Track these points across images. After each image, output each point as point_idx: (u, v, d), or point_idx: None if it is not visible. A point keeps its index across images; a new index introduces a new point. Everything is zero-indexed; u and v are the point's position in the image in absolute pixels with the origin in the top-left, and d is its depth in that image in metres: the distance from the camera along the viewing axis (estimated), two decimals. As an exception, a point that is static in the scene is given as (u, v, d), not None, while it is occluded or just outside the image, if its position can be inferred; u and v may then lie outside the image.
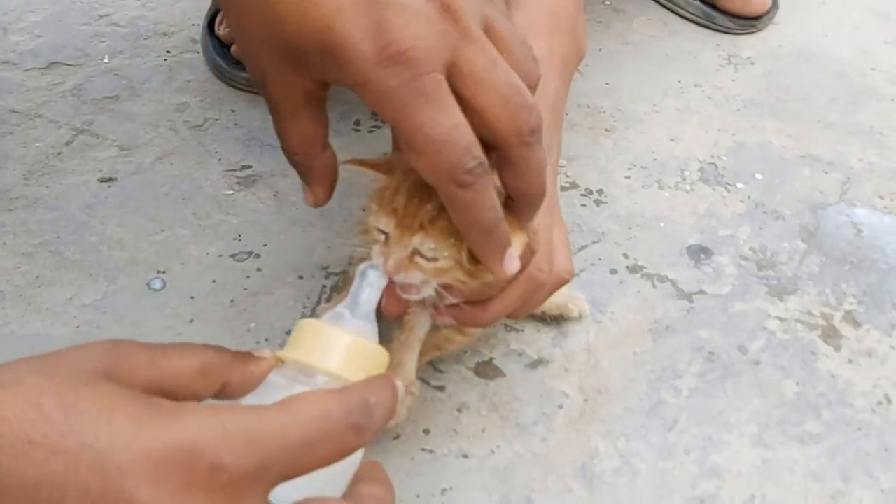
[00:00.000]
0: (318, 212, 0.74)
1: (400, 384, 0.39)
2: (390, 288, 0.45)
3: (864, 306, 0.72)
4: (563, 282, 0.55)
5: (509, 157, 0.40)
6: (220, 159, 0.81)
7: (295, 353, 0.41)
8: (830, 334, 0.69)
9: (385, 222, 0.44)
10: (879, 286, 0.73)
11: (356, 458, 0.39)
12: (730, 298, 0.71)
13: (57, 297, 0.68)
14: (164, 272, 0.70)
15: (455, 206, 0.39)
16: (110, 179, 0.78)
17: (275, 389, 0.38)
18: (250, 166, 0.80)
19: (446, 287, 0.46)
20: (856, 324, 0.70)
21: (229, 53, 0.90)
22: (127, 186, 0.78)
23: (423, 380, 0.63)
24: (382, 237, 0.44)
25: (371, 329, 0.43)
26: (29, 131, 0.83)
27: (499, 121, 0.38)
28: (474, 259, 0.44)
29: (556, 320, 0.68)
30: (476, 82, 0.38)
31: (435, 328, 0.56)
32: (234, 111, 0.87)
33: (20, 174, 0.78)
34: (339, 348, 0.41)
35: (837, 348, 0.68)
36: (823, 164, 0.86)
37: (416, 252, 0.44)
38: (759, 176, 0.84)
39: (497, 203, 0.41)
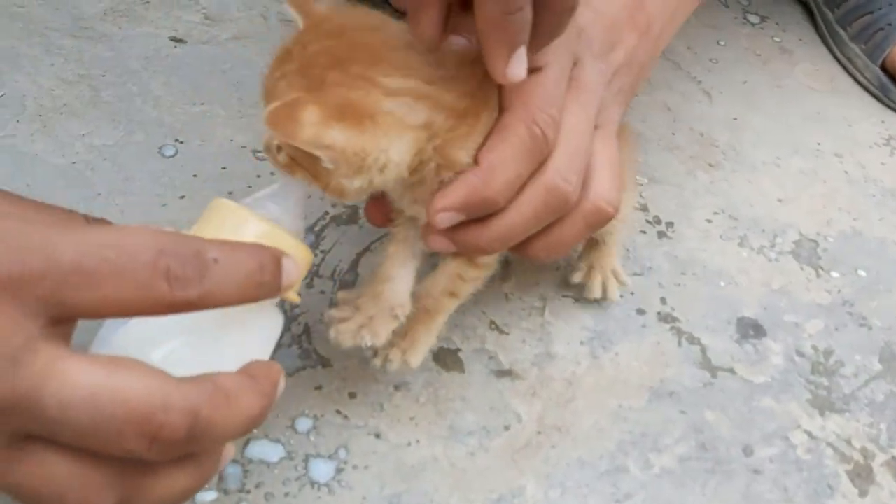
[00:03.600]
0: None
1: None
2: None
3: (920, 460, 0.58)
4: (599, 213, 0.43)
5: None
6: (292, 57, 0.77)
7: (200, 232, 0.36)
8: (862, 475, 0.56)
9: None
10: (951, 445, 0.59)
11: (254, 343, 0.36)
12: (761, 390, 0.60)
13: (72, 130, 0.66)
14: (182, 142, 0.67)
15: None
16: (180, 41, 0.76)
17: None
18: (318, 74, 0.76)
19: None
20: (900, 476, 0.57)
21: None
22: (191, 52, 0.75)
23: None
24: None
25: (294, 223, 0.38)
26: (132, -27, 0.82)
27: None
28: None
29: (599, 303, 0.60)
30: None
31: (444, 266, 0.47)
32: (331, 18, 0.82)
33: (102, 8, 0.77)
34: (249, 234, 0.36)
35: (863, 493, 0.55)
36: (948, 287, 0.71)
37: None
38: (862, 273, 0.71)
39: None
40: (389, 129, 0.36)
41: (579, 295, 0.62)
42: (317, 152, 0.35)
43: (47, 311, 0.28)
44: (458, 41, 0.40)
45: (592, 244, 0.59)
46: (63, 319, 0.28)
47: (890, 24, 0.91)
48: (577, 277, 0.61)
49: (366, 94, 0.35)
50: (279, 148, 0.38)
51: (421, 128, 0.37)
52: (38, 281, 0.27)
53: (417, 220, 0.44)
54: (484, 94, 0.40)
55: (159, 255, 0.28)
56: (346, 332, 0.45)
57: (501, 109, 0.40)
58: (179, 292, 0.29)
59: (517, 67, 0.36)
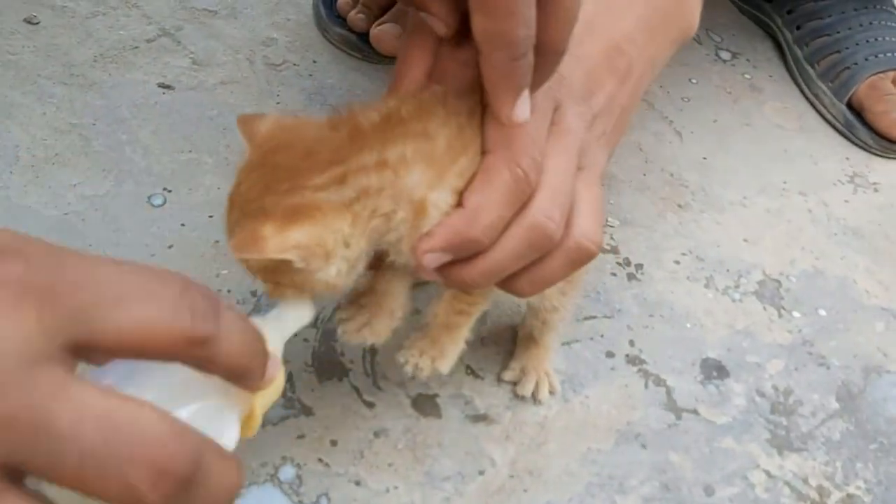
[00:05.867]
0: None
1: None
2: None
3: (871, 496, 0.61)
4: (582, 251, 0.44)
5: None
6: (277, 103, 0.80)
7: None
8: (817, 513, 0.60)
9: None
10: (902, 482, 0.63)
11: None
12: (722, 431, 0.63)
13: (63, 180, 0.68)
14: (170, 191, 0.70)
15: (488, 8, 0.36)
16: (168, 87, 0.79)
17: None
18: (302, 119, 0.79)
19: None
20: (853, 513, 0.60)
21: (335, 4, 0.88)
22: (179, 99, 0.78)
23: (356, 389, 0.60)
24: None
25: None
26: (121, 18, 0.84)
27: None
28: None
29: (570, 345, 0.63)
30: None
31: (443, 294, 0.49)
32: (315, 62, 0.85)
33: (92, 55, 0.80)
34: None
35: (817, 531, 0.59)
36: (905, 325, 0.75)
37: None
38: (822, 312, 0.74)
39: (534, 19, 0.37)
40: (333, 212, 0.39)
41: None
42: (286, 256, 0.38)
43: (71, 329, 0.27)
44: (437, 89, 0.43)
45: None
46: (80, 347, 0.28)
47: (856, 64, 0.94)
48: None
49: (301, 197, 0.39)
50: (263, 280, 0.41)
51: (356, 199, 0.40)
52: (73, 292, 0.27)
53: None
54: (447, 135, 0.42)
55: (186, 287, 0.29)
56: (350, 331, 0.49)
57: (484, 153, 0.42)
58: (200, 325, 0.29)
59: (522, 109, 0.39)
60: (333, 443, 0.57)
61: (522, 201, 0.42)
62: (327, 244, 0.39)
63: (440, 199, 0.41)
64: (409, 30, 0.44)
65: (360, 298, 0.49)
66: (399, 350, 0.50)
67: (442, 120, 0.41)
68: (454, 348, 0.50)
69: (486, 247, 0.42)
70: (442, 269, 0.43)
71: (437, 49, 0.43)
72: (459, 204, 0.41)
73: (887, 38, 0.95)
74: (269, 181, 0.40)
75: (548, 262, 0.44)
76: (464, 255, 0.42)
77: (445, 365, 0.50)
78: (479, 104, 0.42)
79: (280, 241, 0.37)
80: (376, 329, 0.49)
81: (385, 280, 0.49)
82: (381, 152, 0.40)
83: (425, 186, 0.41)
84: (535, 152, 0.42)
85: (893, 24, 0.97)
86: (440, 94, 0.42)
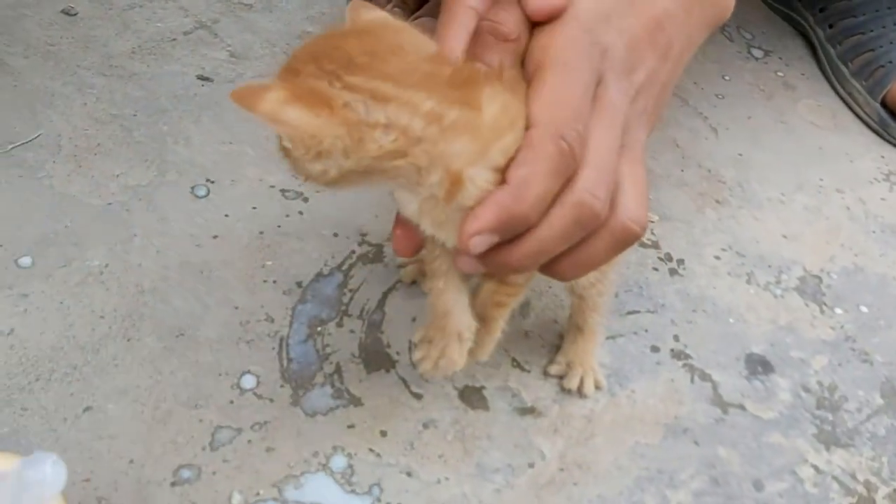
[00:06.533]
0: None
1: None
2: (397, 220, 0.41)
3: (920, 494, 0.61)
4: (627, 231, 0.42)
5: None
6: (315, 95, 0.80)
7: None
8: (867, 509, 0.59)
9: None
10: (950, 479, 0.62)
11: None
12: (770, 426, 0.63)
13: (106, 170, 0.68)
14: (213, 182, 0.69)
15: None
16: (207, 79, 0.78)
17: None
18: (340, 112, 0.79)
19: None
20: (902, 509, 0.60)
21: (370, -1, 0.88)
22: (218, 91, 0.78)
23: (403, 381, 0.60)
24: None
25: None
26: (158, 10, 0.84)
27: None
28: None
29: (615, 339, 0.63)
30: None
31: (480, 289, 0.49)
32: (351, 55, 0.85)
33: (130, 46, 0.80)
34: None
35: (868, 527, 0.58)
36: (946, 323, 0.75)
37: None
38: (864, 309, 0.74)
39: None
40: (345, 120, 0.37)
41: (596, 333, 0.64)
42: (274, 128, 0.37)
43: None
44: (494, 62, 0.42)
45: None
46: None
47: (891, 62, 0.94)
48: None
49: (328, 86, 0.37)
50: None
51: (383, 126, 0.38)
52: None
53: (446, 246, 0.46)
54: (494, 111, 0.40)
55: None
56: (427, 368, 0.48)
57: (527, 126, 0.41)
58: None
59: None
60: (383, 433, 0.56)
61: (568, 175, 0.41)
62: (322, 142, 0.37)
63: (479, 175, 0.40)
64: (447, 4, 0.43)
65: (426, 334, 0.49)
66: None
67: (494, 94, 0.40)
68: (491, 338, 0.50)
69: (534, 223, 0.40)
70: (485, 255, 0.41)
71: (476, 24, 0.42)
72: (502, 182, 0.40)
73: (922, 37, 0.95)
74: (322, 53, 0.38)
75: (592, 243, 0.43)
76: (511, 234, 0.41)
77: (484, 353, 0.50)
78: (522, 80, 0.41)
79: (272, 109, 0.36)
80: (451, 358, 0.48)
81: (441, 300, 0.48)
82: (441, 105, 0.39)
83: (465, 161, 0.40)
84: (578, 125, 0.40)
85: (927, 23, 0.97)
86: (497, 68, 0.41)
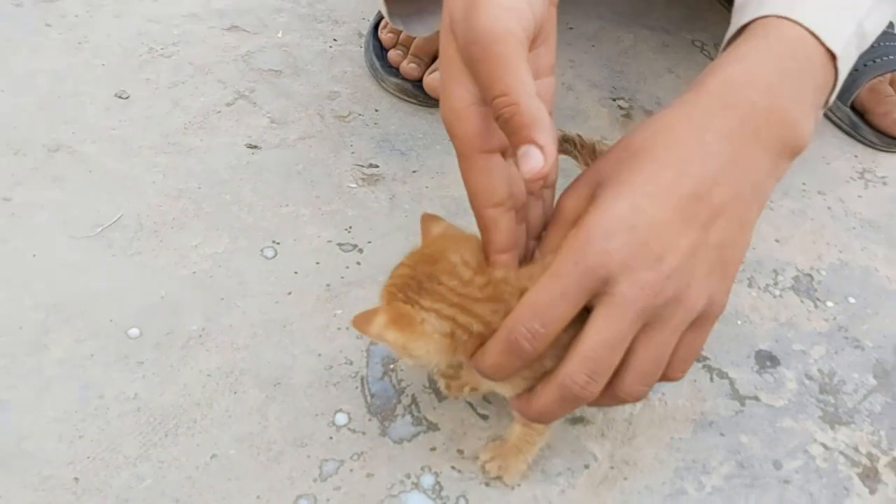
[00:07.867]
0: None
1: None
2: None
3: (914, 458, 0.72)
4: (619, 401, 0.52)
5: None
6: (352, 153, 0.89)
7: None
8: (870, 476, 0.70)
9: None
10: (937, 443, 0.73)
11: None
12: (781, 412, 0.73)
13: (185, 242, 0.77)
14: (278, 243, 0.79)
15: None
16: (255, 147, 0.88)
17: None
18: (377, 166, 0.88)
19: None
20: (900, 473, 0.71)
21: (386, 56, 0.97)
22: (268, 157, 0.87)
23: (470, 405, 0.69)
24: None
25: None
26: (199, 85, 0.93)
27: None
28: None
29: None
30: None
31: (514, 424, 0.64)
32: (377, 111, 0.94)
33: (182, 123, 0.89)
34: None
35: (872, 491, 0.69)
36: (923, 305, 0.85)
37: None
38: (852, 300, 0.84)
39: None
40: (424, 334, 0.51)
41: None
42: (381, 343, 0.53)
43: None
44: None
45: None
46: None
47: (856, 70, 1.05)
48: None
49: (412, 310, 0.51)
50: None
51: (446, 335, 0.52)
52: None
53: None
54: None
55: None
56: (491, 470, 0.64)
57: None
58: None
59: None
60: (460, 452, 0.66)
61: (515, 367, 0.50)
62: (412, 351, 0.51)
63: None
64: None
65: (495, 441, 0.66)
66: (482, 449, 0.66)
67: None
68: (519, 464, 0.64)
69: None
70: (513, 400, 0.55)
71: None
72: None
73: (883, 44, 1.05)
74: (406, 283, 0.52)
75: (581, 404, 0.51)
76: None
77: (511, 478, 0.64)
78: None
79: (378, 332, 0.51)
80: (510, 470, 0.64)
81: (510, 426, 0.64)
82: (490, 312, 0.51)
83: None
84: (534, 323, 0.48)
85: (888, 30, 1.07)
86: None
